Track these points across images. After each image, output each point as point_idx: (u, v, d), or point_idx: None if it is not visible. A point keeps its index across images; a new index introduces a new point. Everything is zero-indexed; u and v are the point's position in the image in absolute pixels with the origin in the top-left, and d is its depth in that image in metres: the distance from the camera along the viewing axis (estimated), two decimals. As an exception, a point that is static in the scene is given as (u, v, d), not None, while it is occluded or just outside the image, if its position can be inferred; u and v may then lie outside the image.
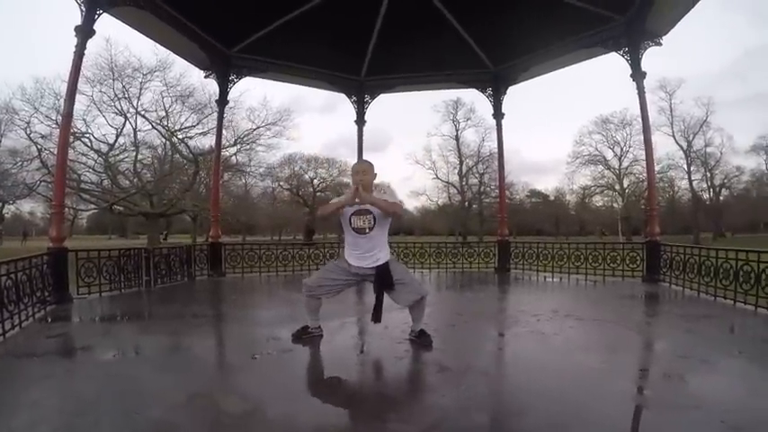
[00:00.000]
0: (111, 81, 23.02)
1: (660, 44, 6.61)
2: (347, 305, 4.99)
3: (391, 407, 2.41)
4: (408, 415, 2.29)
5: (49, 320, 4.29)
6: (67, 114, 5.33)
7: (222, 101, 7.88)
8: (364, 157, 9.31)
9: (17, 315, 3.90)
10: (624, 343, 3.75)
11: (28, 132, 22.49)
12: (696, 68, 66.99)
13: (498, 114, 8.70)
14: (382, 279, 3.37)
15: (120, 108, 23.71)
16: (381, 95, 9.24)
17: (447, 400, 2.46)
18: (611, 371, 2.96)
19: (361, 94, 9.11)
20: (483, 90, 8.74)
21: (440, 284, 7.27)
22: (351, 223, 3.36)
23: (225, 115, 8.34)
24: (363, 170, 3.42)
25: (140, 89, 24.03)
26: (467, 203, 43.46)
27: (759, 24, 62.69)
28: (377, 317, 3.44)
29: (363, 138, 9.35)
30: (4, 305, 3.74)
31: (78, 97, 5.22)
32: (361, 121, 9.22)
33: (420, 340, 3.49)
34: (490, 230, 40.38)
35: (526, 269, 8.20)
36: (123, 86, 23.47)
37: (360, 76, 8.90)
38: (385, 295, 3.44)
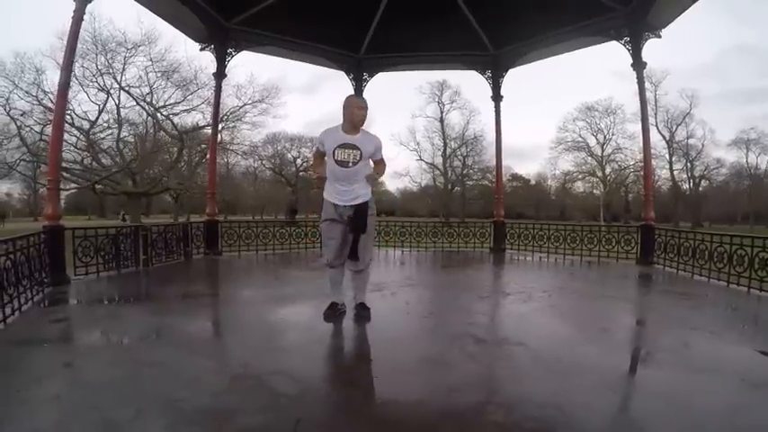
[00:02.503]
0: (94, 55, 22.30)
1: (660, 36, 6.61)
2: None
3: (445, 377, 2.42)
4: (465, 384, 2.31)
5: (48, 304, 4.04)
6: (64, 84, 5.02)
7: (220, 74, 7.56)
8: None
9: (17, 299, 3.61)
10: (636, 318, 3.97)
11: (7, 110, 21.67)
12: (682, 61, 68.06)
13: (497, 97, 8.70)
14: (357, 218, 3.29)
15: (102, 84, 22.93)
16: (379, 74, 9.02)
17: (495, 370, 2.57)
18: (635, 342, 3.22)
19: (359, 72, 8.91)
20: (483, 72, 8.72)
21: (443, 263, 7.32)
22: (334, 155, 3.25)
23: (217, 90, 8.01)
24: (364, 107, 3.30)
25: (124, 64, 23.31)
26: (450, 186, 43.61)
27: (743, 24, 63.76)
28: (353, 255, 3.38)
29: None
30: (4, 288, 3.42)
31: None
32: (358, 99, 9.00)
33: (360, 312, 3.51)
34: (472, 213, 40.79)
35: (521, 249, 8.32)
36: (107, 61, 22.73)
37: (359, 54, 8.70)
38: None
